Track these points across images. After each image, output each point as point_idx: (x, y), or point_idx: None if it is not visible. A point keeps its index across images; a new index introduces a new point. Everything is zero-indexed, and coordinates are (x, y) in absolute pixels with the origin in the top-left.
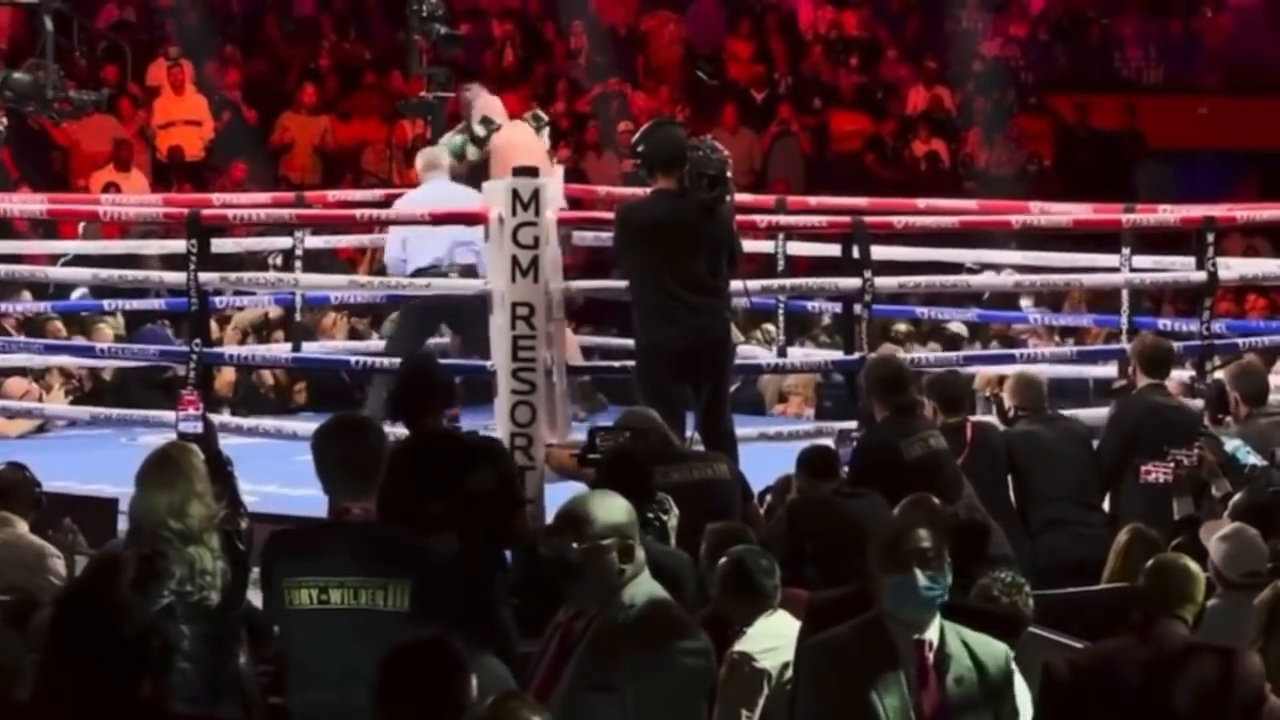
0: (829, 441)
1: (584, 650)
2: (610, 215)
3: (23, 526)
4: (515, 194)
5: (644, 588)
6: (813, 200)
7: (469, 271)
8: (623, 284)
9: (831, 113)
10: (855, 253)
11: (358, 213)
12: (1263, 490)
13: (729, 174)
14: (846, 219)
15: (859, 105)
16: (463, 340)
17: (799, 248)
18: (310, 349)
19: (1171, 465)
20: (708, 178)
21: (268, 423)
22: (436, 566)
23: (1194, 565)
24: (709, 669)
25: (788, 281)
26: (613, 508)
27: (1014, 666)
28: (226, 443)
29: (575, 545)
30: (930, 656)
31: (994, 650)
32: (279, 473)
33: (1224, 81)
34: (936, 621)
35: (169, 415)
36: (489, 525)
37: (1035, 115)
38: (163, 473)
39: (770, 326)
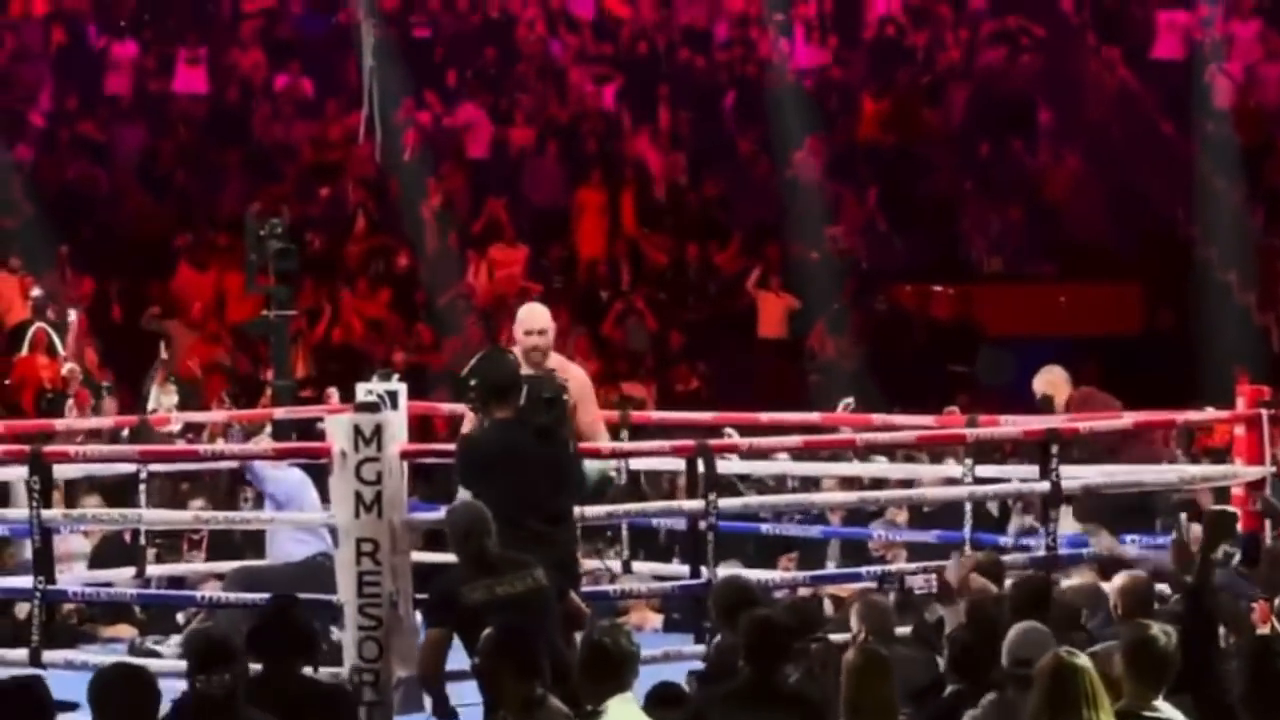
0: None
1: None
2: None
3: None
4: (357, 429)
5: None
6: (654, 415)
7: None
8: None
9: (673, 305)
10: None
11: (201, 448)
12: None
13: (566, 396)
14: (690, 443)
15: (699, 291)
16: None
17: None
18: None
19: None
20: (544, 400)
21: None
22: None
23: None
24: None
25: (633, 506)
26: None
27: None
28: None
29: None
30: None
31: None
32: None
33: (1062, 269)
34: None
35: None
36: None
37: (876, 305)
38: None
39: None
